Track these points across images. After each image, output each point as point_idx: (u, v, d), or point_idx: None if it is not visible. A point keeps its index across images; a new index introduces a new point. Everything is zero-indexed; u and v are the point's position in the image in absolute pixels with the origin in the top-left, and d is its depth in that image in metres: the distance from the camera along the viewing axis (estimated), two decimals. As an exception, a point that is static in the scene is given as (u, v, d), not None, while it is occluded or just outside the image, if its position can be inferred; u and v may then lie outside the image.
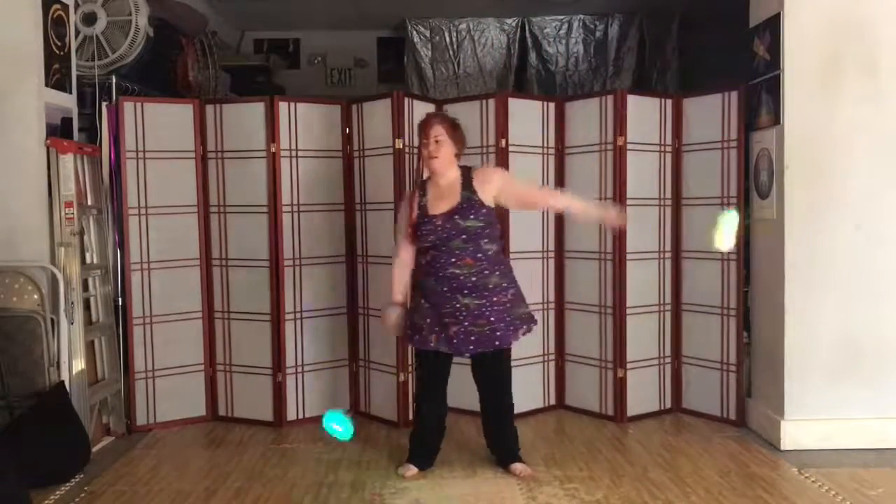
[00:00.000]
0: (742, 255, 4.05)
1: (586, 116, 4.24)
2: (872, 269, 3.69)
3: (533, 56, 6.90)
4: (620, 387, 4.16)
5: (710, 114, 4.14)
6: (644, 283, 4.21)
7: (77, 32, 4.09)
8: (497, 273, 3.27)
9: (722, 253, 4.01)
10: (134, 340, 4.05)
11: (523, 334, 3.37)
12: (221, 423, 4.22)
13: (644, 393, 4.24)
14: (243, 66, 6.67)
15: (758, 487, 3.24)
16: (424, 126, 3.32)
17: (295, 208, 4.13)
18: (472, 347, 3.24)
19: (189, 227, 4.18)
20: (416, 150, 3.69)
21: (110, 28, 4.24)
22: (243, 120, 4.14)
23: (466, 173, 3.32)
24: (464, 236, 3.20)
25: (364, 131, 4.20)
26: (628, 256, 4.13)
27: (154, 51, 4.49)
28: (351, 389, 4.33)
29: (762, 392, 3.97)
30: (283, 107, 4.09)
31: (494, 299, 3.24)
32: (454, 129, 3.32)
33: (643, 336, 4.22)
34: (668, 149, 4.25)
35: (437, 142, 3.25)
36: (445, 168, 3.29)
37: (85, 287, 3.85)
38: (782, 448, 3.68)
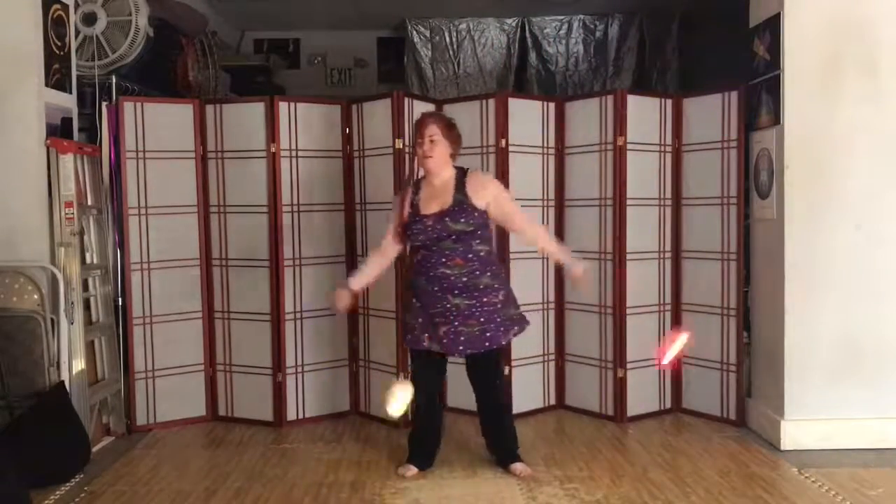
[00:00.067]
0: (742, 255, 4.05)
1: (586, 116, 4.24)
2: (872, 269, 3.69)
3: (533, 56, 6.91)
4: (620, 387, 4.16)
5: (710, 114, 4.14)
6: (644, 283, 4.21)
7: (77, 32, 4.09)
8: (488, 274, 3.27)
9: (722, 254, 4.02)
10: (134, 340, 4.05)
11: (514, 335, 3.37)
12: (221, 423, 4.22)
13: (644, 393, 4.24)
14: (243, 66, 6.67)
15: (758, 487, 3.24)
16: (419, 125, 3.32)
17: (295, 208, 4.13)
18: (461, 348, 3.24)
19: (189, 227, 4.18)
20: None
21: (110, 28, 4.24)
22: (243, 120, 4.14)
23: (461, 175, 3.31)
24: (454, 237, 3.21)
25: (364, 131, 4.20)
26: (628, 256, 4.12)
27: (154, 51, 4.49)
28: (351, 389, 4.33)
29: (762, 392, 3.97)
30: (283, 107, 4.09)
31: (485, 300, 3.24)
32: (449, 128, 3.32)
33: (643, 336, 4.22)
34: (668, 149, 4.25)
35: (431, 141, 3.25)
36: (440, 168, 3.29)
37: (85, 287, 3.85)
38: (782, 448, 3.68)
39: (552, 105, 4.32)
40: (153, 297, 4.09)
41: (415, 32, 6.92)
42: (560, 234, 4.34)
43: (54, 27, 3.71)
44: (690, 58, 6.70)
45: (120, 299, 4.07)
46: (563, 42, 6.88)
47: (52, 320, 3.54)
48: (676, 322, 4.29)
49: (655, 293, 4.26)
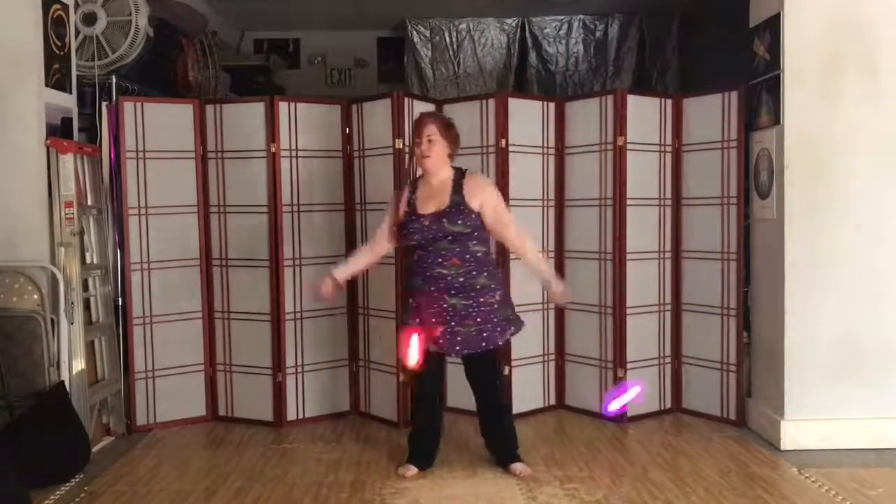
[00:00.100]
0: (742, 255, 4.05)
1: (586, 116, 4.24)
2: (872, 269, 3.69)
3: (533, 56, 6.91)
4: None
5: (710, 114, 4.14)
6: (644, 283, 4.21)
7: (77, 32, 4.09)
8: (485, 274, 3.27)
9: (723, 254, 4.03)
10: (134, 340, 4.05)
11: (511, 336, 3.37)
12: (221, 423, 4.22)
13: (644, 393, 4.23)
14: (243, 66, 6.67)
15: (758, 487, 3.24)
16: (417, 125, 3.33)
17: (295, 208, 4.13)
18: (458, 348, 3.24)
19: (189, 227, 4.18)
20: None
21: (110, 28, 4.24)
22: (243, 120, 4.14)
23: (458, 177, 3.31)
24: (450, 238, 3.21)
25: (364, 131, 4.20)
26: (628, 256, 4.12)
27: (154, 51, 4.49)
28: (351, 389, 4.33)
29: (762, 392, 3.97)
30: (283, 107, 4.09)
31: (482, 300, 3.24)
32: (447, 128, 3.32)
33: (643, 336, 4.22)
34: (668, 149, 4.25)
35: (429, 141, 3.26)
36: (437, 167, 3.29)
37: (85, 287, 3.85)
38: (782, 448, 3.67)
39: (552, 105, 4.32)
40: (153, 297, 4.09)
41: (415, 32, 6.92)
42: (560, 234, 4.35)
43: (54, 27, 3.71)
44: (690, 58, 6.70)
45: (120, 299, 4.07)
46: (563, 42, 6.88)
47: (52, 320, 3.54)
48: (676, 322, 4.30)
49: (655, 293, 4.26)
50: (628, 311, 4.15)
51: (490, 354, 3.32)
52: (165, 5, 4.87)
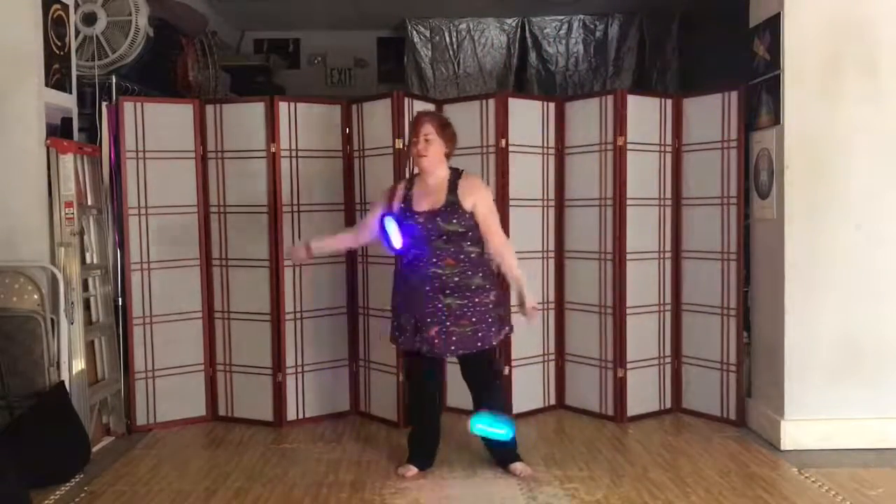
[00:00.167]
0: (742, 255, 4.05)
1: (586, 116, 4.24)
2: (872, 269, 3.69)
3: (533, 56, 6.91)
4: (620, 387, 4.16)
5: (710, 114, 4.14)
6: (644, 283, 4.21)
7: (77, 32, 4.08)
8: (480, 274, 3.27)
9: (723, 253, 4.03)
10: (134, 340, 4.05)
11: (504, 336, 3.37)
12: (221, 423, 4.22)
13: (644, 393, 4.24)
14: (243, 66, 6.67)
15: (758, 487, 3.24)
16: (414, 124, 3.33)
17: (295, 208, 4.13)
18: (453, 348, 3.24)
19: (189, 227, 4.18)
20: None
21: (110, 28, 4.24)
22: (243, 120, 4.14)
23: (455, 177, 3.31)
24: (444, 237, 3.21)
25: (364, 131, 4.20)
26: (628, 256, 4.12)
27: (154, 51, 4.49)
28: (351, 389, 4.34)
29: (762, 392, 3.97)
30: (283, 107, 4.09)
31: (477, 300, 3.24)
32: (444, 127, 3.32)
33: (643, 336, 4.22)
34: (668, 149, 4.25)
35: (426, 140, 3.25)
36: (434, 167, 3.29)
37: (85, 287, 3.85)
38: (782, 448, 3.68)
39: (552, 105, 4.32)
40: (153, 297, 4.09)
41: (415, 32, 6.92)
42: (560, 234, 4.35)
43: (54, 27, 3.71)
44: (690, 58, 6.70)
45: (120, 299, 4.07)
46: (563, 42, 6.89)
47: (52, 320, 3.54)
48: (676, 322, 4.29)
49: (655, 293, 4.26)
50: (628, 311, 4.15)
51: (485, 354, 3.31)
52: (165, 5, 4.87)
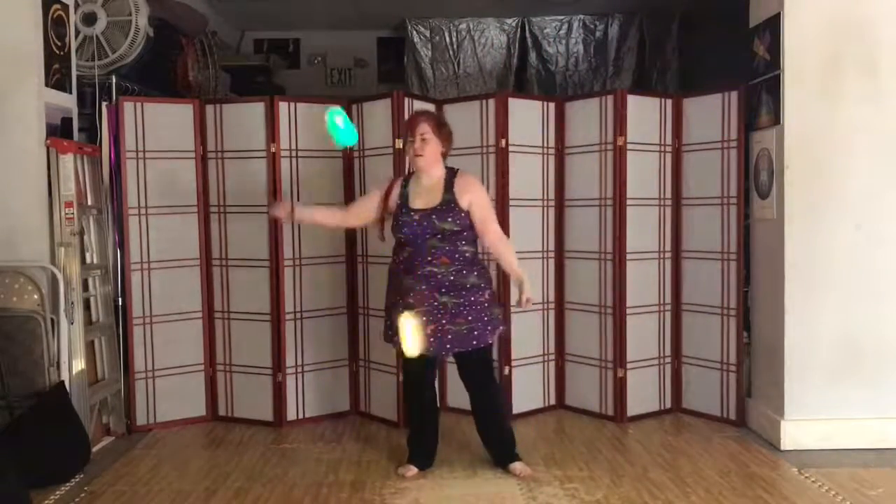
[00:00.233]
0: (742, 255, 4.05)
1: (586, 116, 4.24)
2: (872, 269, 3.69)
3: (533, 56, 6.91)
4: (620, 387, 4.16)
5: (710, 114, 4.14)
6: (644, 283, 4.21)
7: (77, 32, 4.08)
8: (475, 274, 3.27)
9: (723, 253, 4.03)
10: (134, 340, 4.05)
11: (499, 335, 3.38)
12: (221, 423, 4.22)
13: (644, 393, 4.24)
14: (243, 66, 6.67)
15: (758, 487, 3.24)
16: (411, 123, 3.33)
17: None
18: (449, 347, 3.24)
19: (189, 227, 4.18)
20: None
21: (110, 28, 4.24)
22: (243, 120, 4.14)
23: (451, 176, 3.31)
24: (440, 236, 3.21)
25: (364, 131, 4.20)
26: (628, 256, 4.12)
27: (154, 51, 4.49)
28: (351, 389, 4.33)
29: (762, 392, 3.97)
30: (283, 107, 4.09)
31: (472, 299, 3.24)
32: (440, 127, 3.33)
33: (643, 336, 4.23)
34: (668, 149, 4.25)
35: (423, 139, 3.26)
36: (430, 166, 3.29)
37: (85, 287, 3.85)
38: (782, 448, 3.68)
39: (552, 105, 4.32)
40: (153, 297, 4.09)
41: (415, 32, 6.92)
42: (560, 234, 4.35)
43: (54, 27, 3.71)
44: (690, 58, 6.70)
45: (120, 299, 4.07)
46: (563, 42, 6.88)
47: (52, 320, 3.54)
48: (676, 322, 4.30)
49: (655, 293, 4.26)
50: (628, 311, 4.15)
51: (482, 353, 3.32)
52: (165, 5, 4.87)
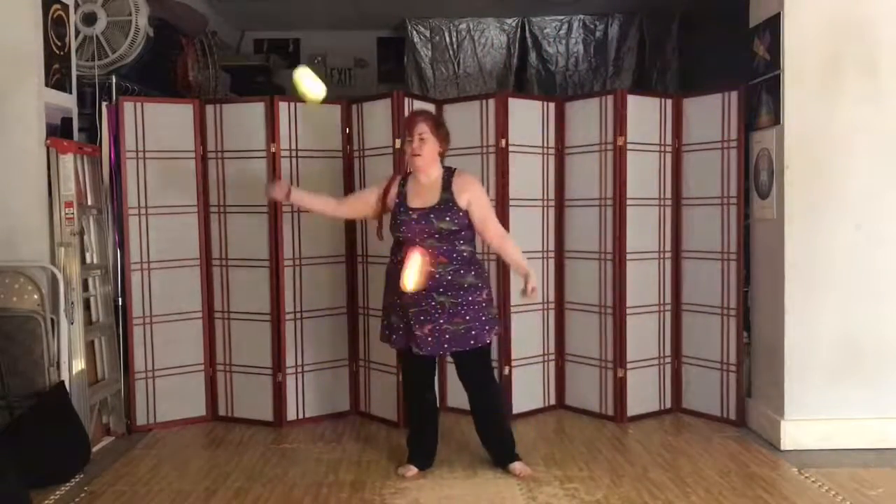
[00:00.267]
0: (742, 255, 4.05)
1: (586, 116, 4.24)
2: (872, 269, 3.69)
3: (533, 56, 6.91)
4: (620, 387, 4.16)
5: (710, 114, 4.14)
6: (644, 283, 4.21)
7: (77, 32, 4.08)
8: (472, 273, 3.27)
9: (722, 253, 4.03)
10: (134, 340, 4.05)
11: (494, 335, 3.38)
12: (221, 423, 4.22)
13: (644, 393, 4.24)
14: (243, 66, 6.67)
15: (758, 487, 3.24)
16: (409, 123, 3.33)
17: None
18: (446, 346, 3.24)
19: (189, 227, 4.18)
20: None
21: (110, 28, 4.24)
22: (243, 120, 4.14)
23: (448, 175, 3.32)
24: (437, 235, 3.21)
25: (364, 131, 4.20)
26: (628, 256, 4.12)
27: (154, 51, 4.49)
28: (351, 389, 4.33)
29: (762, 392, 3.97)
30: (283, 107, 4.09)
31: (470, 298, 3.24)
32: (438, 127, 3.33)
33: (643, 336, 4.23)
34: (668, 149, 4.25)
35: (421, 139, 3.26)
36: (428, 166, 3.29)
37: (85, 287, 3.85)
38: (782, 448, 3.68)
39: (552, 105, 4.32)
40: (153, 297, 4.10)
41: (415, 32, 6.92)
42: (560, 234, 4.35)
43: (54, 27, 3.71)
44: (690, 58, 6.70)
45: (120, 299, 4.07)
46: (563, 42, 6.88)
47: (52, 320, 3.54)
48: (676, 322, 4.30)
49: (655, 293, 4.26)
50: (628, 311, 4.15)
51: (480, 353, 3.32)
52: (165, 5, 4.87)
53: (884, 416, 3.70)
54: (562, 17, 6.85)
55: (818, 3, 3.65)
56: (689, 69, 6.70)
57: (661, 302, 4.28)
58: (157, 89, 4.64)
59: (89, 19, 4.20)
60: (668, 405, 4.32)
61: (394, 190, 3.35)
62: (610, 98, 4.15)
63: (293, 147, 4.11)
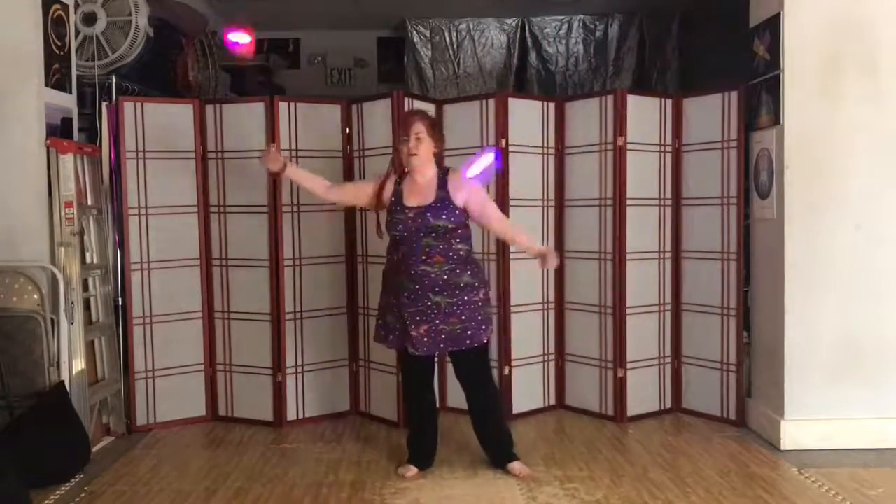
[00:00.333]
0: (742, 255, 4.05)
1: (586, 116, 4.24)
2: (872, 269, 3.69)
3: (533, 56, 6.91)
4: (620, 387, 4.16)
5: (710, 114, 4.14)
6: (644, 283, 4.21)
7: (77, 32, 4.09)
8: (469, 273, 3.27)
9: (723, 254, 4.03)
10: (134, 340, 4.05)
11: (490, 334, 3.38)
12: (221, 423, 4.22)
13: (644, 393, 4.24)
14: (243, 66, 6.67)
15: (758, 487, 3.24)
16: (405, 123, 3.34)
17: (295, 208, 4.13)
18: (442, 346, 3.24)
19: (189, 227, 4.18)
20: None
21: (110, 28, 4.24)
22: (243, 120, 4.14)
23: (443, 174, 3.32)
24: (433, 234, 3.21)
25: (364, 131, 4.20)
26: (628, 256, 4.12)
27: (154, 51, 4.49)
28: (351, 389, 4.33)
29: (762, 392, 3.97)
30: (283, 107, 4.09)
31: (466, 298, 3.24)
32: (434, 127, 3.35)
33: (643, 336, 4.22)
34: (668, 149, 4.25)
35: (417, 139, 3.26)
36: (424, 165, 3.30)
37: (85, 287, 3.85)
38: (782, 448, 3.68)
39: (552, 105, 4.32)
40: (153, 297, 4.10)
41: (415, 32, 6.93)
42: (560, 234, 4.35)
43: (54, 27, 3.71)
44: (690, 58, 6.71)
45: (120, 299, 4.07)
46: (563, 42, 6.89)
47: (52, 320, 3.54)
48: (676, 322, 4.30)
49: (655, 293, 4.26)
50: (628, 311, 4.15)
51: (477, 353, 3.31)
52: (165, 5, 4.87)
53: (884, 416, 3.70)
54: (562, 17, 6.86)
55: (818, 3, 3.65)
56: (689, 69, 6.71)
57: (661, 302, 4.28)
58: (157, 89, 4.64)
59: (89, 19, 4.20)
60: (668, 405, 4.32)
61: (389, 188, 3.35)
62: (610, 98, 4.15)
63: (293, 147, 4.11)
